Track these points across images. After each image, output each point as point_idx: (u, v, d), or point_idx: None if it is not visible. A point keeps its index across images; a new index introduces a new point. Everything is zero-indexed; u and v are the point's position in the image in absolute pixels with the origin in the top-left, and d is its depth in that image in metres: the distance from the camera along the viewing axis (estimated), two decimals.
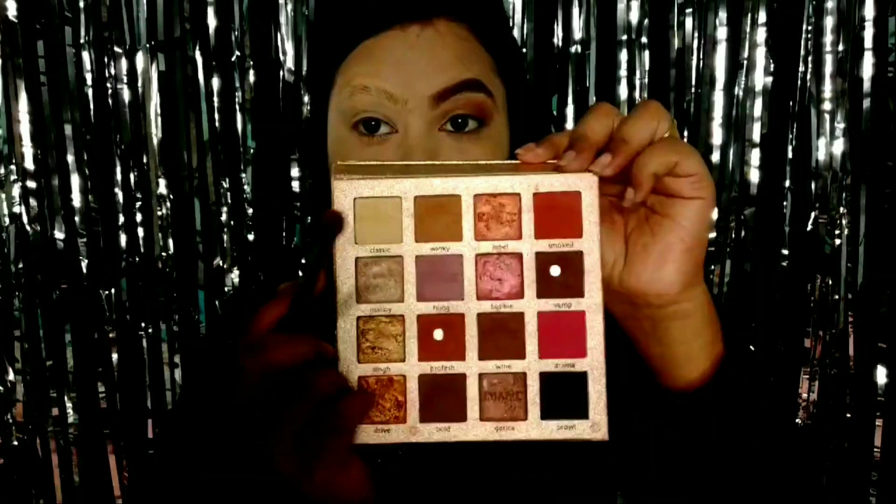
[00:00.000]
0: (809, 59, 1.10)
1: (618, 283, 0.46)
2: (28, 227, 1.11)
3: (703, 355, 0.46)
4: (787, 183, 1.12)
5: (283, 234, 1.16)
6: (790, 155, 1.12)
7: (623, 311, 0.47)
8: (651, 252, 0.45)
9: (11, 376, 1.14)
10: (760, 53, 1.10)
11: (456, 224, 0.44)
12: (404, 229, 0.44)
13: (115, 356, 1.15)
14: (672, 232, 0.44)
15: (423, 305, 0.44)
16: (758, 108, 1.11)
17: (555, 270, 0.44)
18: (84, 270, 1.12)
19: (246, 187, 1.15)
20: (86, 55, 1.10)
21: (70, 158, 1.11)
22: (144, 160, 1.13)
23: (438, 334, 0.44)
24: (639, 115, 0.43)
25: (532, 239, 0.44)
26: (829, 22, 1.08)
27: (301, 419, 0.39)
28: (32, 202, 1.11)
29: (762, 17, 1.10)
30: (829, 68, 1.09)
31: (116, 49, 1.11)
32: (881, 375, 1.10)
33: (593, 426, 0.43)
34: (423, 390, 0.43)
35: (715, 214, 1.13)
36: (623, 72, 1.12)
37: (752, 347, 1.15)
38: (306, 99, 1.12)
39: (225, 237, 1.15)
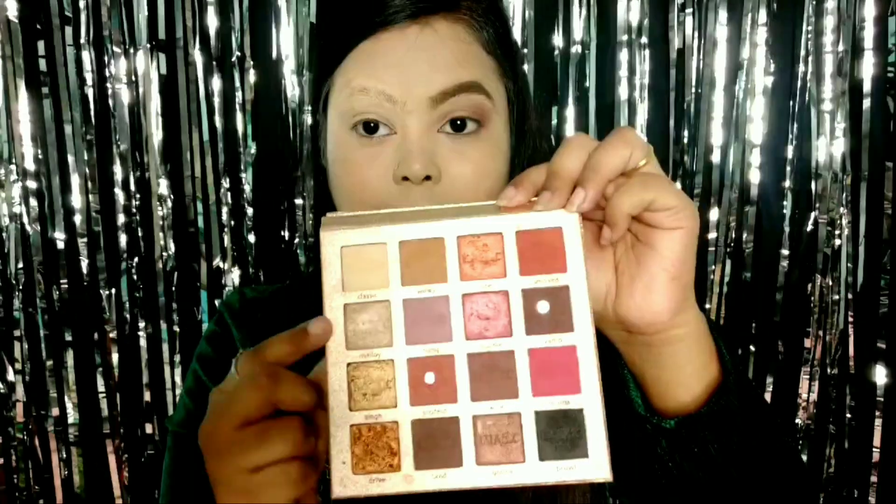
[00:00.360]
0: (809, 59, 1.10)
1: (611, 313, 0.46)
2: (28, 227, 1.11)
3: (696, 380, 0.46)
4: (787, 183, 1.12)
5: (284, 234, 1.16)
6: (790, 155, 1.12)
7: (619, 336, 0.47)
8: (637, 283, 0.45)
9: (11, 376, 1.14)
10: (760, 53, 1.10)
11: (440, 266, 0.44)
12: (390, 274, 0.44)
13: (115, 356, 1.15)
14: (656, 263, 0.44)
15: (412, 349, 0.43)
16: (758, 108, 1.11)
17: (542, 307, 0.43)
18: (84, 270, 1.12)
19: (246, 187, 1.15)
20: (86, 55, 1.10)
21: (70, 158, 1.11)
22: (144, 160, 1.13)
23: (430, 377, 0.43)
24: (609, 144, 0.43)
25: (517, 276, 0.44)
26: (829, 22, 1.08)
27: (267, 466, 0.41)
28: (32, 202, 1.11)
29: (762, 17, 1.10)
30: (829, 68, 1.09)
31: (116, 49, 1.11)
32: (881, 375, 1.10)
33: (595, 465, 0.42)
34: (416, 436, 0.43)
35: (715, 215, 1.14)
36: (623, 72, 1.12)
37: (752, 347, 1.15)
38: (307, 99, 1.12)
39: (225, 237, 1.15)
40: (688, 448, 0.46)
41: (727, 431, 0.46)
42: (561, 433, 0.42)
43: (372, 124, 0.57)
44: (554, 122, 1.15)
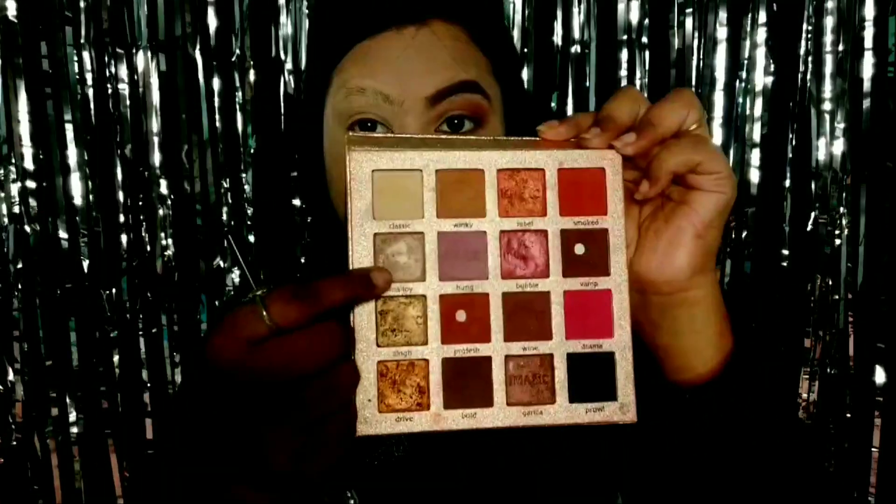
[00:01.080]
0: (809, 59, 1.10)
1: (630, 271, 0.45)
2: (28, 227, 1.11)
3: (712, 348, 0.46)
4: (787, 183, 1.12)
5: (284, 234, 1.16)
6: (790, 155, 1.12)
7: (632, 300, 0.46)
8: (662, 236, 0.44)
9: (11, 376, 1.14)
10: (760, 53, 1.10)
11: (479, 199, 0.42)
12: (425, 204, 0.42)
13: (115, 356, 1.15)
14: (685, 217, 0.43)
15: (445, 285, 0.42)
16: (758, 108, 1.11)
17: (579, 249, 0.43)
18: (85, 270, 1.12)
19: (246, 187, 1.15)
20: (86, 55, 1.10)
21: (70, 158, 1.11)
22: (145, 160, 1.13)
23: (461, 315, 0.42)
24: (670, 102, 0.43)
25: (557, 216, 0.43)
26: (829, 22, 1.08)
27: (306, 418, 0.38)
28: (32, 202, 1.11)
29: (762, 17, 1.10)
30: (829, 68, 1.09)
31: (117, 49, 1.11)
32: (881, 375, 1.10)
33: (622, 408, 0.42)
34: (447, 375, 0.41)
35: None
36: (623, 72, 1.12)
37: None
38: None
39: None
40: (703, 419, 0.46)
41: (744, 401, 0.46)
42: (591, 376, 0.42)
43: (369, 124, 0.57)
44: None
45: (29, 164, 1.10)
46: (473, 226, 0.42)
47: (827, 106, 1.09)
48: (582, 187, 0.43)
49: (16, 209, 1.11)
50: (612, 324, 0.42)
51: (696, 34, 1.12)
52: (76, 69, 1.10)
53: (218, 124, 1.13)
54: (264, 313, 0.37)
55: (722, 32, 1.10)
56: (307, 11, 1.12)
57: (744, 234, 1.13)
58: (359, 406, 0.41)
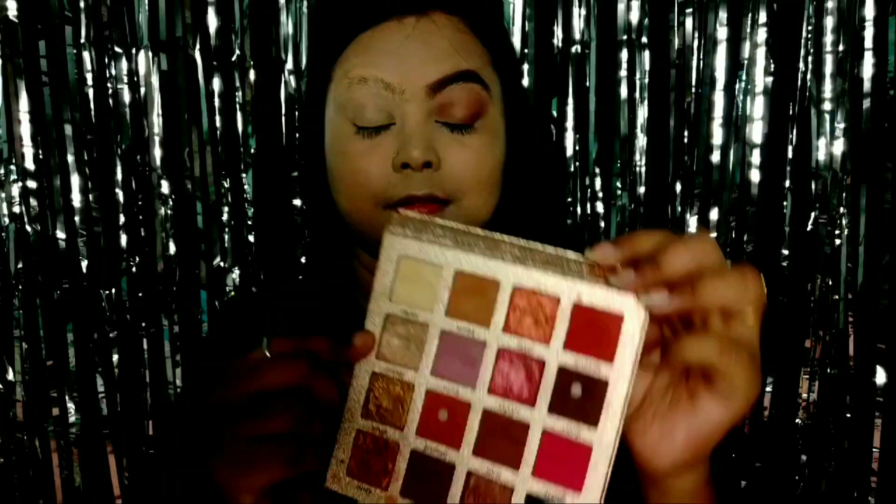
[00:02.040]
0: (809, 59, 1.10)
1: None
2: (28, 227, 1.11)
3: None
4: (787, 183, 1.12)
5: (284, 234, 1.16)
6: (790, 155, 1.12)
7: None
8: (655, 425, 0.42)
9: (11, 376, 1.14)
10: (760, 53, 1.10)
11: (488, 309, 0.42)
12: (438, 300, 0.43)
13: (115, 356, 1.15)
14: (685, 420, 0.41)
15: (435, 381, 0.43)
16: (758, 108, 1.11)
17: (576, 390, 0.41)
18: (84, 270, 1.12)
19: (246, 187, 1.15)
20: (86, 55, 1.10)
21: (70, 158, 1.11)
22: (144, 160, 1.13)
23: (443, 415, 0.42)
24: (732, 281, 0.38)
25: (560, 349, 0.41)
26: (829, 22, 1.08)
27: (238, 434, 0.41)
28: (32, 202, 1.11)
29: (762, 17, 1.10)
30: (829, 68, 1.09)
31: (117, 49, 1.11)
32: (881, 375, 1.10)
33: None
34: (411, 465, 0.42)
35: (715, 215, 1.13)
36: (623, 72, 1.12)
37: None
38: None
39: (226, 237, 1.15)
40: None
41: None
42: None
43: (372, 128, 0.57)
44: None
45: (29, 164, 1.10)
46: (475, 333, 0.42)
47: (827, 106, 1.09)
48: (595, 329, 0.40)
49: (16, 209, 1.11)
50: (583, 480, 0.40)
51: (696, 34, 1.12)
52: (76, 69, 1.10)
53: (218, 124, 1.13)
54: (264, 348, 0.43)
55: (722, 32, 1.10)
56: (307, 11, 1.12)
57: (744, 235, 1.13)
58: (333, 460, 0.44)
